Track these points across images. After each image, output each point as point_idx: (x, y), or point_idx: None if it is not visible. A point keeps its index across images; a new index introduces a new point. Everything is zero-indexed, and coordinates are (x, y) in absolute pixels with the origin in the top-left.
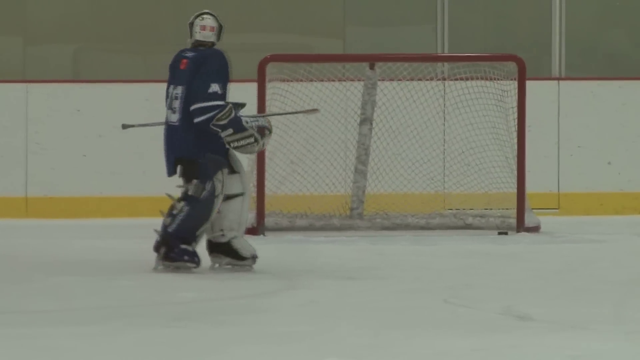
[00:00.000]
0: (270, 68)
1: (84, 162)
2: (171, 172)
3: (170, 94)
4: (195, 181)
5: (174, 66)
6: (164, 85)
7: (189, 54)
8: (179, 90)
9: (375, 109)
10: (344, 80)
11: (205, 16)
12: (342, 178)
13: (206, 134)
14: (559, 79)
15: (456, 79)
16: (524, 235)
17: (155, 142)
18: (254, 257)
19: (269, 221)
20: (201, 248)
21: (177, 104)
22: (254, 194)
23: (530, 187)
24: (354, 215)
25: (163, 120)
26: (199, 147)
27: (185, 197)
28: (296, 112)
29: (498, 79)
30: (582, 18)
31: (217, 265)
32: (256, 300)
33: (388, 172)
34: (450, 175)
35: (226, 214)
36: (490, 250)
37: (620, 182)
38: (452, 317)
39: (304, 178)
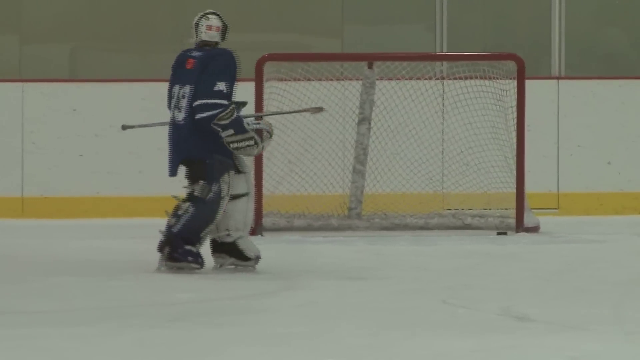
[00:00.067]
0: (268, 67)
1: (80, 161)
2: (174, 172)
3: (176, 94)
4: (201, 182)
5: (179, 66)
6: (162, 85)
7: (196, 54)
8: (186, 89)
9: (374, 108)
10: (342, 80)
11: (210, 16)
12: (341, 178)
13: (213, 135)
14: (558, 78)
15: (455, 78)
16: (523, 235)
17: (152, 142)
18: (257, 258)
19: (266, 221)
20: (204, 249)
21: (184, 102)
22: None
23: (529, 187)
24: (353, 216)
25: (163, 120)
26: (206, 148)
27: (190, 198)
28: (301, 111)
29: (497, 78)
30: (582, 17)
31: (220, 265)
32: (254, 301)
33: (386, 171)
34: (449, 175)
35: (232, 214)
36: (490, 250)
37: (620, 182)
38: (451, 317)
39: (302, 178)
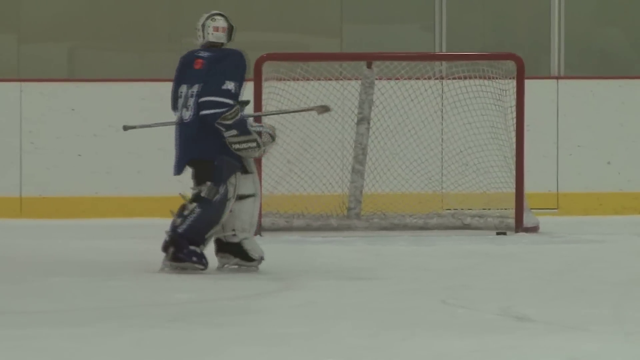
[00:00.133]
0: (267, 67)
1: (79, 161)
2: (180, 171)
3: (184, 94)
4: (209, 183)
5: (186, 66)
6: (161, 85)
7: (204, 54)
8: (195, 89)
9: (373, 108)
10: (341, 79)
11: (216, 17)
12: (340, 178)
13: (220, 135)
14: (558, 78)
15: (454, 78)
16: (522, 235)
17: (151, 142)
18: (261, 259)
19: (265, 221)
20: (206, 250)
21: (192, 102)
22: None
23: (529, 187)
24: (352, 216)
25: (164, 121)
26: (214, 148)
27: (197, 199)
28: (307, 110)
29: (496, 78)
30: (582, 17)
31: (224, 265)
32: (253, 301)
33: (386, 171)
34: (449, 175)
35: (239, 215)
36: (489, 250)
37: (620, 182)
38: (450, 317)
39: (301, 178)
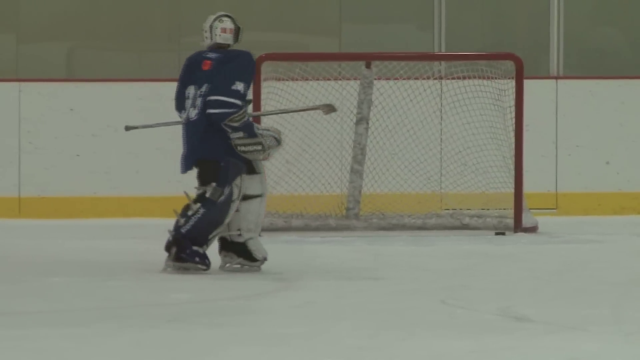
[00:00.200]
0: (266, 67)
1: (77, 161)
2: (187, 169)
3: (192, 95)
4: (214, 184)
5: (193, 68)
6: (160, 85)
7: (212, 55)
8: (203, 89)
9: (372, 108)
10: (340, 79)
11: (224, 19)
12: (338, 178)
13: (227, 135)
14: (557, 77)
15: (453, 78)
16: (521, 235)
17: (150, 142)
18: (264, 259)
19: (264, 221)
20: (209, 250)
21: (199, 101)
22: None
23: (527, 187)
24: (350, 216)
25: (166, 121)
26: (221, 149)
27: (201, 199)
28: (312, 109)
29: (495, 78)
30: (581, 16)
31: (227, 264)
32: (252, 302)
33: (384, 171)
34: (447, 175)
35: (245, 215)
36: (488, 250)
37: (619, 182)
38: (449, 318)
39: (300, 178)
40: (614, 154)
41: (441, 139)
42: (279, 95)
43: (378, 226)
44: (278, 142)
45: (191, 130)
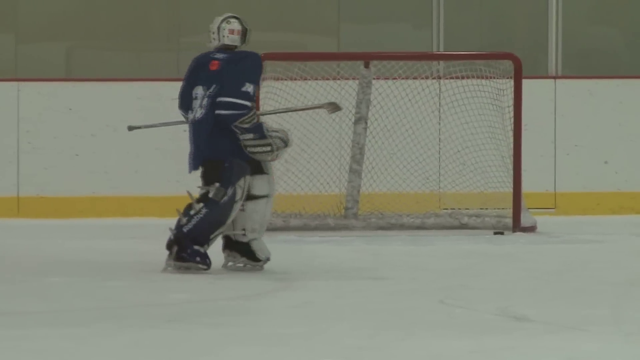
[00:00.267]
0: (264, 66)
1: (76, 161)
2: (194, 169)
3: (200, 95)
4: (217, 184)
5: (200, 68)
6: (159, 84)
7: (220, 56)
8: (212, 89)
9: (370, 107)
10: (339, 79)
11: (231, 20)
12: (337, 177)
13: (233, 136)
14: (555, 77)
15: (452, 78)
16: (520, 235)
17: (149, 142)
18: (267, 259)
19: None
20: (209, 250)
21: (206, 102)
22: None
23: (526, 187)
24: (349, 215)
25: (168, 121)
26: (226, 149)
27: (204, 199)
28: (316, 107)
29: (494, 78)
30: (579, 16)
31: (230, 263)
32: (251, 301)
33: (383, 171)
34: (446, 174)
35: (250, 214)
36: (487, 250)
37: (618, 182)
38: (448, 318)
39: (298, 177)
40: (613, 153)
41: (440, 138)
42: (278, 95)
43: (377, 226)
44: (286, 143)
45: (198, 129)
